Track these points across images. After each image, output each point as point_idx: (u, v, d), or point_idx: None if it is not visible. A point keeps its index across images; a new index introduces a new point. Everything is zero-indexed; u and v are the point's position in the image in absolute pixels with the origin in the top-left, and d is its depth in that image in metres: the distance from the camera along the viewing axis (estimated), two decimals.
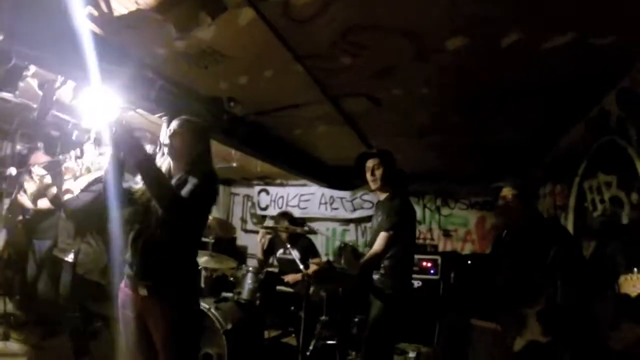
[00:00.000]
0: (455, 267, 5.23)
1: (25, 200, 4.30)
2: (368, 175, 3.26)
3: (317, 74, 3.19)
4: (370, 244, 3.30)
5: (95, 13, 2.41)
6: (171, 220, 2.07)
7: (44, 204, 4.16)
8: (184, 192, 2.05)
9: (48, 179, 3.74)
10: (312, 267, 5.17)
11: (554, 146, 4.29)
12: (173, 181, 2.19)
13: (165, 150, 2.28)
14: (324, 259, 6.20)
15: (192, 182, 2.09)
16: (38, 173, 3.71)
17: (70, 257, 3.56)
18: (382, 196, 3.31)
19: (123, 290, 2.23)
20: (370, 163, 3.25)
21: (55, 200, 3.73)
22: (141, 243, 2.15)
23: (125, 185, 2.24)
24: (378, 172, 3.21)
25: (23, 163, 4.62)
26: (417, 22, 2.40)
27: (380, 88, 3.38)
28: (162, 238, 2.11)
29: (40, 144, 4.49)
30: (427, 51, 2.70)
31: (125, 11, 2.41)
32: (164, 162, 2.33)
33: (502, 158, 4.97)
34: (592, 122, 3.40)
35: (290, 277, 5.00)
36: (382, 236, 3.07)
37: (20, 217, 4.61)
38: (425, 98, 3.47)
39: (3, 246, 4.82)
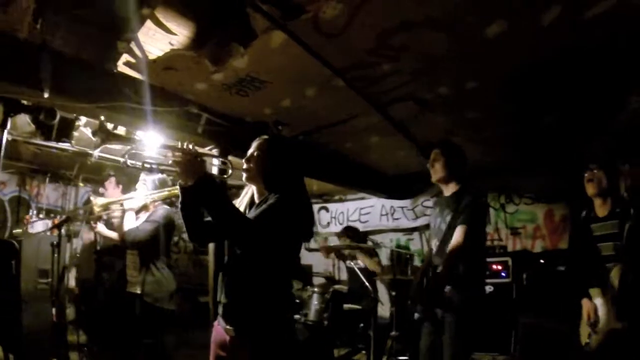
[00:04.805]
0: (527, 268, 4.90)
1: (102, 228, 4.48)
2: (429, 168, 3.05)
3: (359, 85, 3.15)
4: (439, 249, 2.97)
5: (132, 60, 2.49)
6: (244, 249, 1.93)
7: (112, 234, 4.38)
8: (253, 214, 1.92)
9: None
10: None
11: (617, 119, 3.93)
12: (254, 208, 2.03)
13: (244, 175, 2.10)
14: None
15: (267, 202, 1.92)
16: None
17: (138, 289, 3.67)
18: (448, 191, 3.02)
19: (216, 328, 2.09)
20: (431, 155, 3.04)
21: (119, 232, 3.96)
22: (226, 279, 2.04)
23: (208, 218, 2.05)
24: (438, 164, 2.97)
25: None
26: (451, 12, 2.29)
27: (426, 88, 3.27)
28: (245, 271, 1.96)
29: (112, 180, 4.69)
30: (466, 42, 2.58)
31: (160, 53, 2.49)
32: (247, 191, 2.18)
33: (561, 142, 4.64)
34: None
35: None
36: (460, 229, 2.79)
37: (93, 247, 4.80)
38: (472, 92, 3.32)
39: (75, 282, 5.10)
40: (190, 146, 1.93)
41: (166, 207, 3.69)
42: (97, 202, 3.55)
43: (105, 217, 4.26)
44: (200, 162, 1.85)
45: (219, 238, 2.24)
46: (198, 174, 1.81)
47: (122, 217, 3.92)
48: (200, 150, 2.11)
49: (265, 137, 2.15)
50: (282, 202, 1.90)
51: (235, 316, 1.98)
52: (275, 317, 1.97)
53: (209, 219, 2.01)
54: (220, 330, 2.04)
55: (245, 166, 2.08)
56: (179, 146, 1.90)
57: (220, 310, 2.05)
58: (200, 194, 1.84)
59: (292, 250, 2.10)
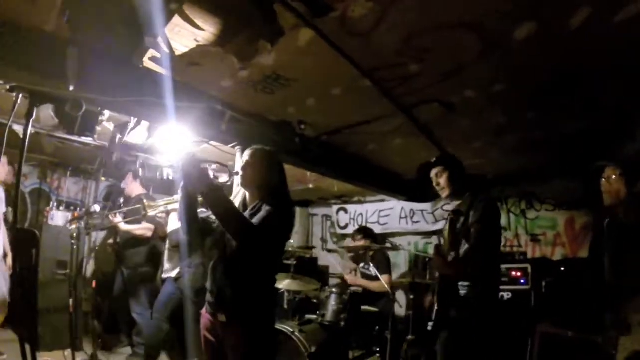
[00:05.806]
0: (547, 275, 4.75)
1: (120, 223, 4.60)
2: (435, 187, 3.09)
3: (385, 86, 3.10)
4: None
5: (158, 55, 2.47)
6: (244, 248, 2.11)
7: (136, 228, 4.58)
8: (256, 219, 2.11)
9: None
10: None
11: None
12: (247, 211, 2.25)
13: (239, 181, 2.31)
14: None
15: (265, 209, 2.14)
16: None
17: (173, 274, 3.91)
18: (458, 202, 3.03)
19: (205, 315, 2.32)
20: (432, 173, 3.10)
21: (162, 233, 4.18)
22: (219, 271, 2.24)
23: (203, 215, 2.34)
24: (443, 180, 3.01)
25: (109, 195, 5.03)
26: (480, 14, 2.25)
27: (452, 91, 3.21)
28: (238, 266, 2.18)
29: (130, 175, 4.84)
30: (494, 45, 2.53)
31: (186, 49, 2.49)
32: (239, 193, 2.37)
33: (585, 148, 4.51)
34: None
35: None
36: (477, 228, 2.76)
37: (112, 241, 4.90)
38: (498, 96, 3.25)
39: (91, 274, 5.17)
40: (195, 155, 2.11)
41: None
42: (151, 204, 3.64)
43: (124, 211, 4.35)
44: (203, 171, 2.05)
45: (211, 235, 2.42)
46: (201, 183, 2.02)
47: (165, 218, 4.02)
48: (204, 158, 2.26)
49: (260, 147, 2.40)
50: (276, 210, 2.14)
51: (227, 304, 2.18)
52: (262, 305, 2.23)
53: (202, 215, 2.34)
54: (208, 317, 2.28)
55: (241, 173, 2.30)
56: (183, 155, 2.08)
57: (210, 298, 2.28)
58: (205, 201, 2.06)
59: (278, 250, 2.38)
